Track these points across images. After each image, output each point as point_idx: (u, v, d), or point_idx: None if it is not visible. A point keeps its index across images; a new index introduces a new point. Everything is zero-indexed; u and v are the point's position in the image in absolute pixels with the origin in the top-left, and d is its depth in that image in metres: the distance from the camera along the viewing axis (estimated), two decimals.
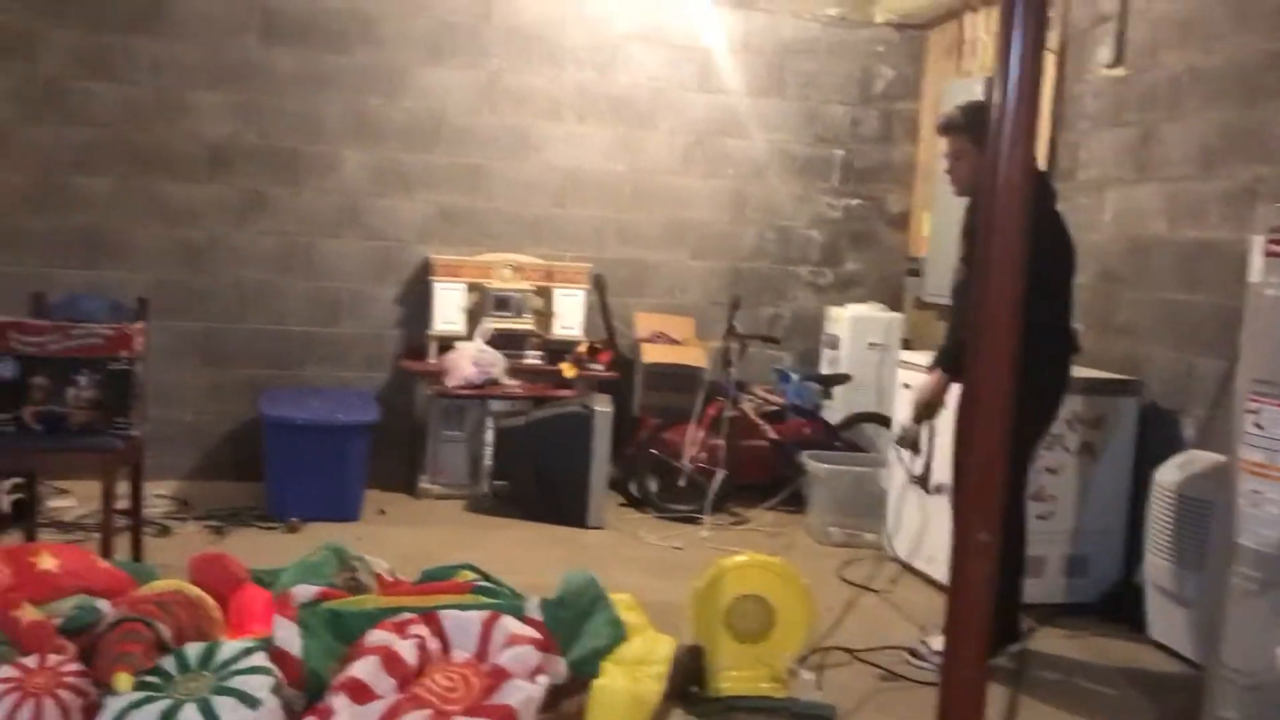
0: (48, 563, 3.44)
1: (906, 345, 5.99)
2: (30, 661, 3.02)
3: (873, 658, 3.81)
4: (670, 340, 6.01)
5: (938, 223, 6.06)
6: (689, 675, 3.41)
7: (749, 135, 6.29)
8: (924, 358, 4.94)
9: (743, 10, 6.21)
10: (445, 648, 3.24)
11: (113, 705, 2.90)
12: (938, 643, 3.71)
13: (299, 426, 5.12)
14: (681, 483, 5.54)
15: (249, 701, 2.92)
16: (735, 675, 3.40)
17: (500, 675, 3.06)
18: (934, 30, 6.40)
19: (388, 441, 5.55)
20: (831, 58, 6.37)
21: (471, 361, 5.60)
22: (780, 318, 6.46)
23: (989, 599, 2.13)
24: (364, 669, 3.02)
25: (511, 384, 5.72)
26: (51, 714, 2.90)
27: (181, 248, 5.63)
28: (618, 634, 3.40)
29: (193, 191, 5.62)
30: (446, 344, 5.74)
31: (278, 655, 3.13)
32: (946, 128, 3.99)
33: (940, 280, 5.97)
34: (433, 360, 5.73)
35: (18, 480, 4.56)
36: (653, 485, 5.65)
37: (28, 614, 3.23)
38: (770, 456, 5.73)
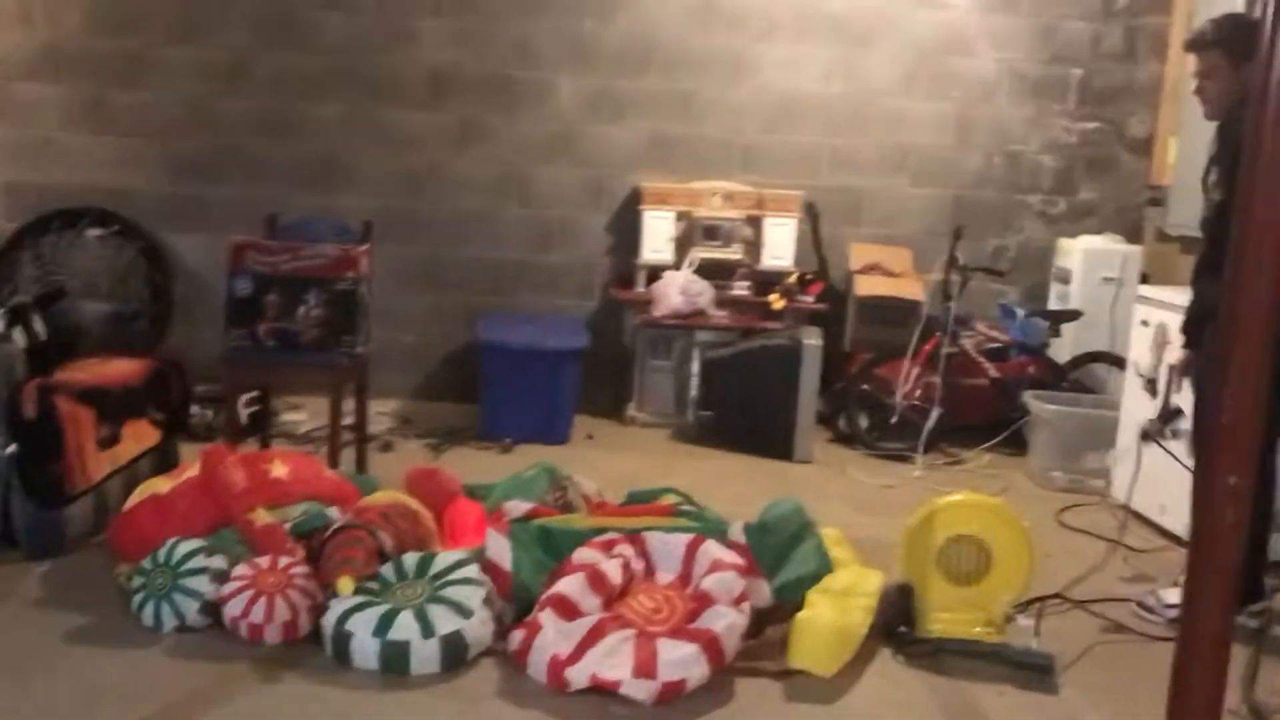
0: (279, 470, 3.64)
1: (1145, 280, 5.57)
2: (263, 562, 3.21)
3: (1096, 608, 3.59)
4: (886, 272, 5.79)
5: (1185, 148, 5.56)
6: (897, 613, 3.31)
7: (977, 54, 5.93)
8: (1165, 293, 4.57)
9: None
10: (649, 569, 3.24)
11: (336, 607, 3.05)
12: (1171, 595, 3.48)
13: (513, 351, 5.22)
14: (893, 420, 5.36)
15: (462, 611, 3.02)
16: (947, 617, 3.27)
17: (704, 600, 3.05)
18: None
19: (596, 368, 5.60)
20: None
21: (679, 291, 5.56)
22: (1006, 249, 6.12)
23: (1238, 548, 1.94)
24: (571, 586, 3.06)
25: (719, 314, 5.65)
26: (282, 612, 3.07)
27: (404, 174, 5.80)
28: (824, 563, 3.33)
29: (414, 119, 5.77)
30: (655, 273, 5.72)
31: (489, 567, 3.21)
32: (1196, 43, 3.65)
33: (1186, 211, 5.49)
34: (641, 289, 5.73)
35: (253, 394, 4.84)
36: (863, 421, 5.49)
37: (261, 517, 3.43)
38: (990, 396, 5.46)
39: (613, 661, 2.85)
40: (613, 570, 3.14)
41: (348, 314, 4.16)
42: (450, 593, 3.08)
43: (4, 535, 3.56)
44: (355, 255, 4.17)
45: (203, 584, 3.14)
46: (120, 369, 3.95)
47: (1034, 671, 3.13)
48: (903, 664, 3.19)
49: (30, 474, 3.52)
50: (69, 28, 5.56)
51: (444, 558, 3.25)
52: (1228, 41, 3.49)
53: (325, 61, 5.68)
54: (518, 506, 3.50)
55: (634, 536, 3.29)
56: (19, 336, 3.82)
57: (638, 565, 3.23)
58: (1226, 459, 1.93)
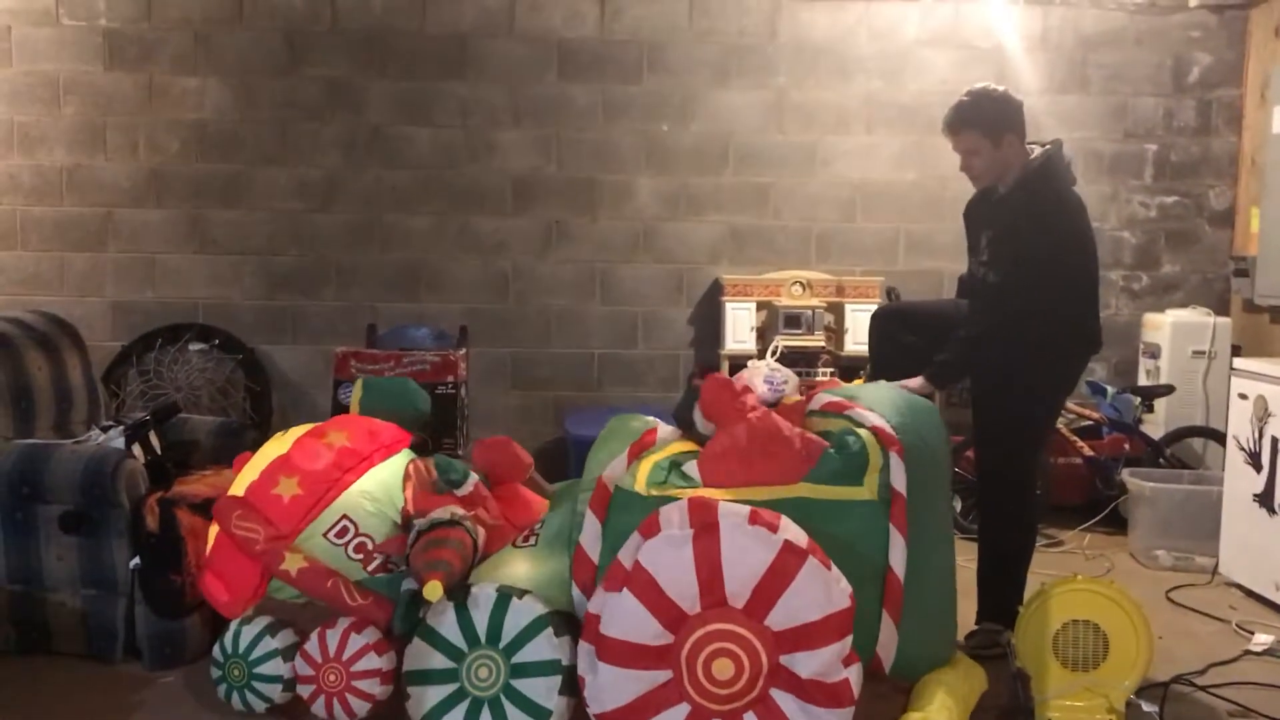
0: (289, 489, 3.43)
1: (1237, 352, 5.51)
2: (315, 653, 3.10)
3: (1220, 691, 3.51)
4: None
5: (1268, 218, 5.55)
6: (1013, 701, 3.26)
7: (1050, 134, 5.95)
8: (1262, 365, 4.53)
9: (1039, 5, 5.93)
10: (716, 574, 2.85)
11: (415, 705, 2.99)
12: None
13: None
14: None
15: (539, 714, 2.94)
16: (1066, 705, 3.21)
17: (800, 689, 2.80)
18: (1257, 9, 5.88)
19: None
20: (1140, 48, 5.98)
21: (763, 379, 5.57)
22: None
23: None
24: (626, 617, 2.82)
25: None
26: (359, 708, 3.07)
27: (492, 278, 5.97)
28: (949, 650, 3.27)
29: (500, 224, 5.95)
30: (738, 363, 5.78)
31: (578, 553, 3.06)
32: (951, 126, 3.70)
33: (1274, 280, 5.47)
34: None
35: None
36: (955, 504, 5.44)
37: (296, 563, 3.23)
38: (1085, 475, 5.40)
39: None
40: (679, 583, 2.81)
41: (448, 416, 4.28)
42: (525, 687, 2.95)
43: (128, 647, 3.66)
44: (455, 360, 4.29)
45: (277, 666, 3.17)
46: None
47: None
48: None
49: (153, 586, 3.62)
50: (169, 154, 5.85)
51: (517, 614, 3.00)
52: (982, 119, 3.55)
53: (413, 175, 5.90)
54: (617, 466, 3.19)
55: (707, 520, 2.85)
56: (138, 452, 3.96)
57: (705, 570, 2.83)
58: None
